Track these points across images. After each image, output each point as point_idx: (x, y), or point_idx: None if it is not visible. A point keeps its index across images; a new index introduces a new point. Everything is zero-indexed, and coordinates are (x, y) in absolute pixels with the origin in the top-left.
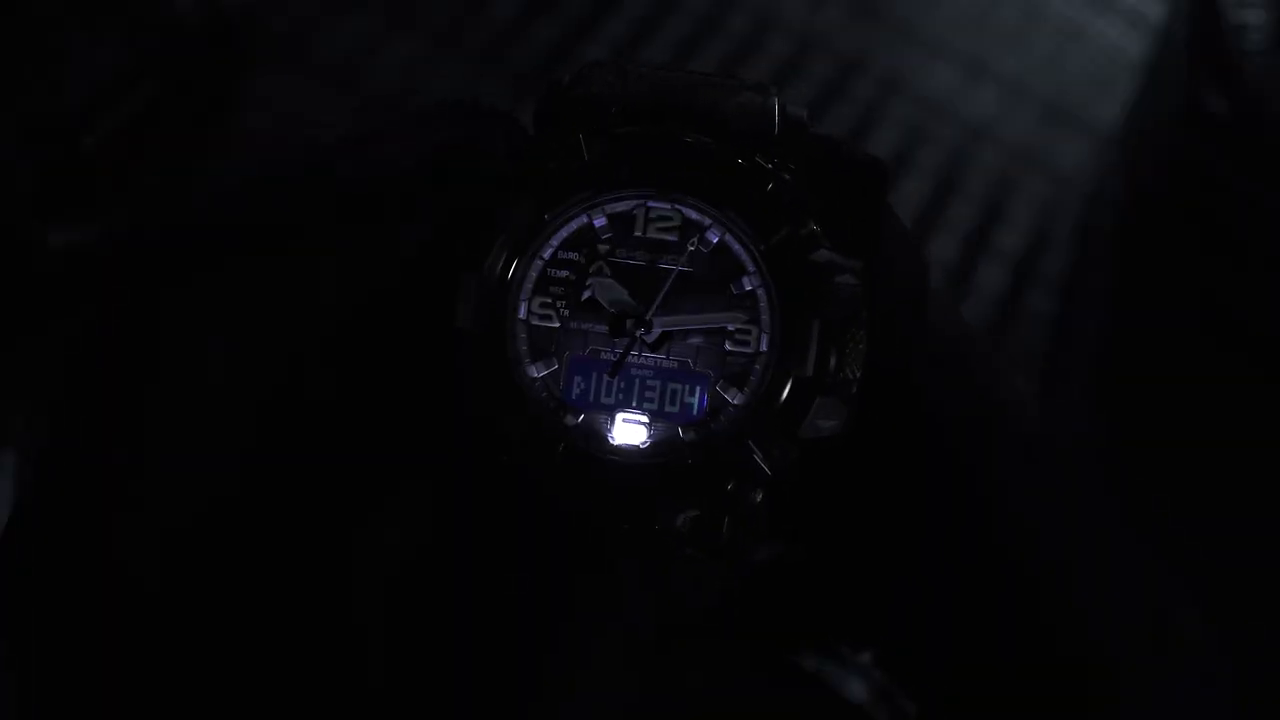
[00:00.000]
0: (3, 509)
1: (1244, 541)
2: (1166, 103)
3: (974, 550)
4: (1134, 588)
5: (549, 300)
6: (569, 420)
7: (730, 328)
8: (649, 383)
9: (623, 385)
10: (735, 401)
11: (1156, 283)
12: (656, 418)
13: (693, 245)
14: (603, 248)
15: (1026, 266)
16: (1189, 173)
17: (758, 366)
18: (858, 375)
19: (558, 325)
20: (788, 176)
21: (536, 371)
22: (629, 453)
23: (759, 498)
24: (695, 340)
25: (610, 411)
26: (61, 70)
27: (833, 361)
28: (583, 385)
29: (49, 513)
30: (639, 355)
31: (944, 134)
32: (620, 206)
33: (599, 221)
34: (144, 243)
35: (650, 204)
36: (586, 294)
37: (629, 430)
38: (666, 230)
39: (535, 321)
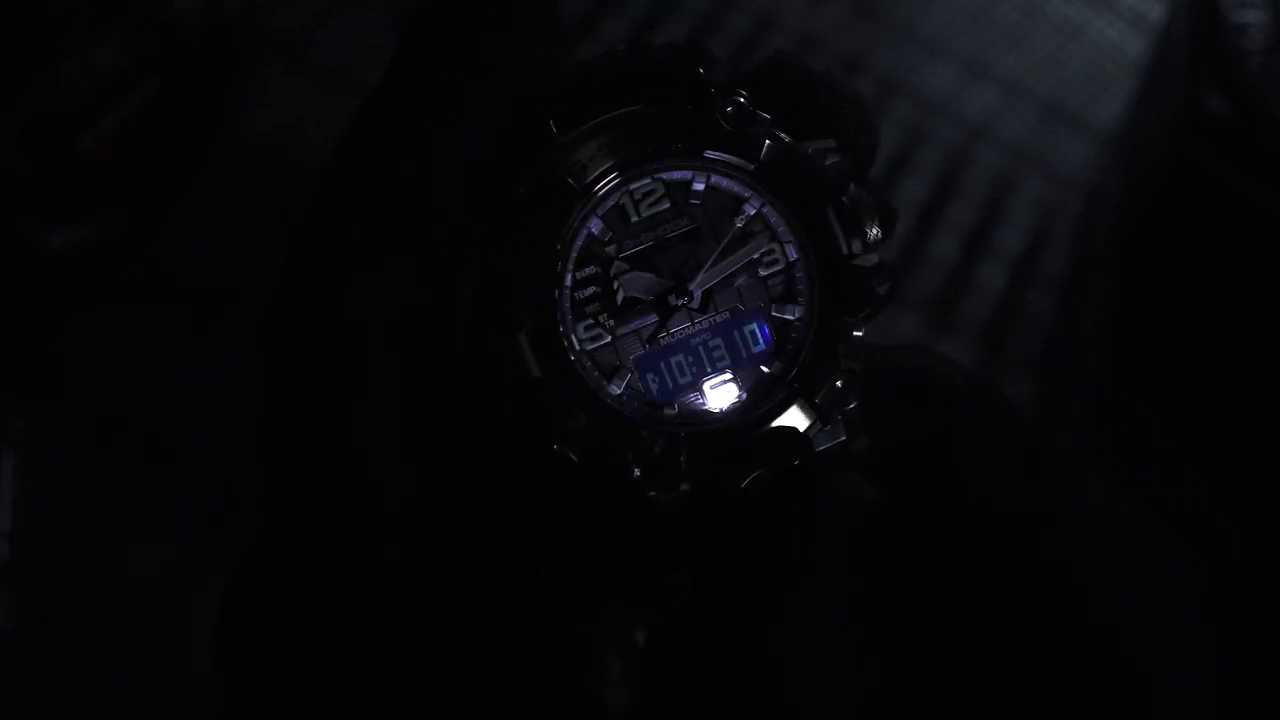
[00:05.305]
0: (2, 511)
1: (1243, 541)
2: (1166, 103)
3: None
4: None
5: (591, 322)
6: (667, 413)
7: (756, 255)
8: (712, 342)
9: (691, 358)
10: (794, 316)
11: (1156, 282)
12: (738, 368)
13: (686, 201)
14: (610, 249)
15: (1026, 266)
16: (1189, 173)
17: (798, 274)
18: (880, 234)
19: (610, 339)
20: (740, 99)
21: (616, 388)
22: (733, 412)
23: (851, 384)
24: (735, 283)
25: (695, 387)
26: (61, 70)
27: (857, 240)
28: (657, 379)
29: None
30: (693, 324)
31: (944, 134)
32: (608, 203)
33: (595, 227)
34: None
35: (630, 187)
36: (620, 296)
37: (721, 393)
38: (656, 203)
39: (590, 347)
